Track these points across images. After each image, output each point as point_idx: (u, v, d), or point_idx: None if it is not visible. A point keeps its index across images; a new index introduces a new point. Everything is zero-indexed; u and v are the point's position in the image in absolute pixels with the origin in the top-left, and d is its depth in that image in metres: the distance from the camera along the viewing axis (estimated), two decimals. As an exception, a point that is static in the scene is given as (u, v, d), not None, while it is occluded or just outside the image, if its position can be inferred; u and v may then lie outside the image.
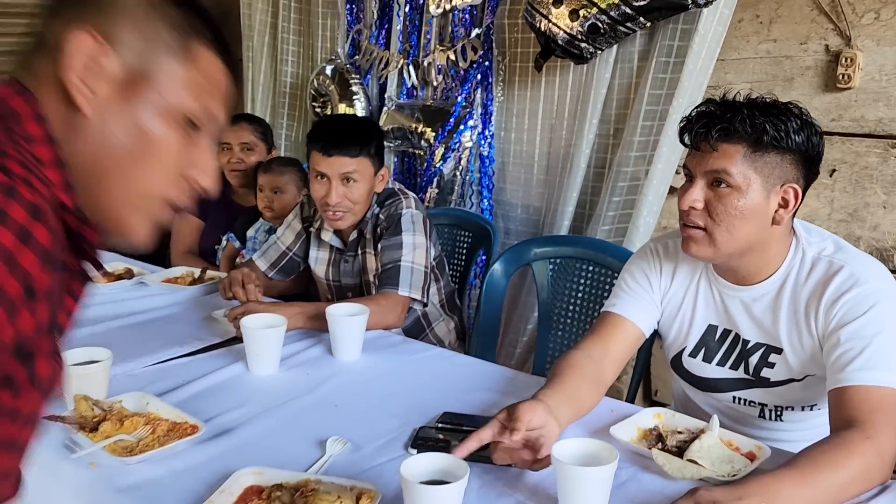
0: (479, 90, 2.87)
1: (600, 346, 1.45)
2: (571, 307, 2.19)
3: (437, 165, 2.93)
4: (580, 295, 2.19)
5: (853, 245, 1.39)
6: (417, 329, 2.21)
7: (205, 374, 1.58)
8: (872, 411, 1.16)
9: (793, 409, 1.43)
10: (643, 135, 2.44)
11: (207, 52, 0.78)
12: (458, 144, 2.90)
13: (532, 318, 2.65)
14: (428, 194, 2.99)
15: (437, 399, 1.49)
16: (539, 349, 2.22)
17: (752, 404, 1.46)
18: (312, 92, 3.33)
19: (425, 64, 3.01)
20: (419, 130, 2.98)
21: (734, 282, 1.42)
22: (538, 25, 2.37)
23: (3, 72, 0.75)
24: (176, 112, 0.75)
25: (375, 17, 3.20)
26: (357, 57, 3.27)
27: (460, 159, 2.91)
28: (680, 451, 1.23)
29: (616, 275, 1.59)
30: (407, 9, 3.08)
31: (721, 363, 1.47)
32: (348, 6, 3.28)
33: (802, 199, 1.33)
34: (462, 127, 2.88)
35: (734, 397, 1.47)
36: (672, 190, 2.44)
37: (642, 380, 2.66)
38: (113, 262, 2.51)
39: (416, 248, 2.05)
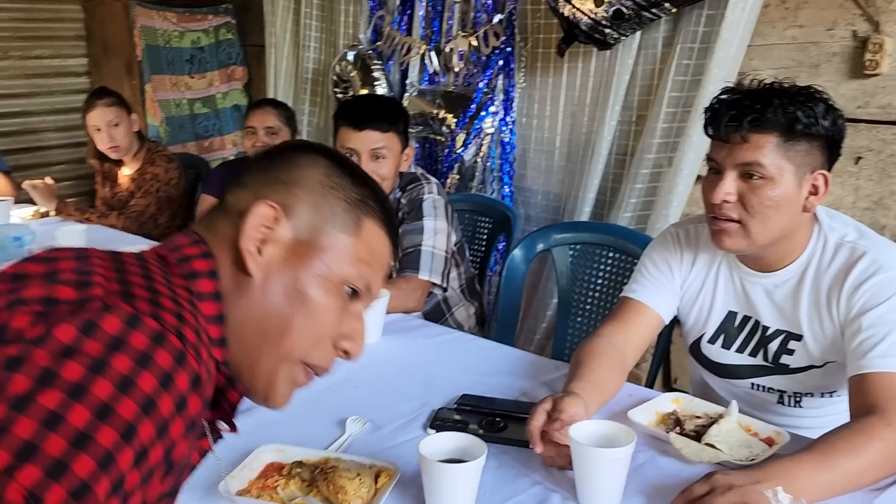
0: (501, 76, 2.87)
1: (622, 332, 1.45)
2: (592, 294, 2.19)
3: (459, 152, 2.93)
4: (600, 282, 2.18)
5: (878, 234, 1.37)
6: (437, 314, 2.22)
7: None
8: (894, 398, 1.15)
9: (812, 395, 1.43)
10: (667, 121, 2.42)
11: (376, 227, 0.83)
12: (479, 131, 2.90)
13: (552, 305, 2.65)
14: (449, 180, 3.00)
15: (455, 381, 1.50)
16: (558, 335, 2.23)
17: (770, 391, 1.46)
18: (334, 78, 3.34)
19: (447, 50, 3.01)
20: (440, 116, 2.98)
21: (757, 269, 1.41)
22: (562, 10, 2.36)
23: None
24: (338, 281, 0.79)
25: (398, 2, 3.19)
26: (379, 43, 3.28)
27: (481, 145, 2.91)
28: (698, 436, 1.23)
29: (637, 262, 1.58)
30: (429, -6, 3.07)
31: (740, 350, 1.46)
32: (371, -8, 3.28)
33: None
34: (483, 113, 2.88)
35: (753, 384, 1.47)
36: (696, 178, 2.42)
37: (662, 367, 2.65)
38: (137, 245, 2.55)
39: (437, 233, 2.06)
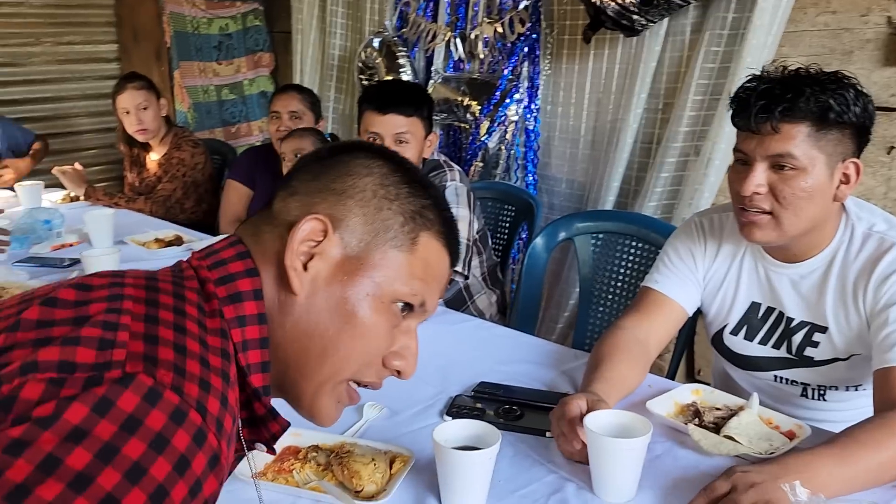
0: (526, 63, 2.85)
1: (645, 324, 1.43)
2: (614, 284, 2.17)
3: (483, 139, 2.92)
4: (624, 272, 2.16)
5: (910, 227, 1.34)
6: (459, 301, 2.22)
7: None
8: (920, 392, 1.13)
9: (836, 388, 1.40)
10: (694, 109, 2.39)
11: (433, 241, 0.77)
12: (503, 118, 2.88)
13: (574, 294, 2.64)
14: (473, 168, 2.99)
15: (474, 369, 1.50)
16: (579, 325, 2.21)
17: (794, 384, 1.43)
18: (360, 64, 3.34)
19: (472, 37, 2.99)
20: (465, 104, 2.97)
21: (783, 259, 1.39)
22: (588, -4, 2.33)
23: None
24: (389, 299, 0.75)
25: (423, -11, 3.18)
26: (404, 29, 3.27)
27: (505, 133, 2.89)
28: (717, 428, 1.21)
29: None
30: (455, -20, 3.05)
31: (763, 342, 1.44)
32: (397, -22, 3.27)
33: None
34: (508, 100, 2.86)
35: (776, 376, 1.45)
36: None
37: (685, 358, 2.63)
38: (163, 230, 2.58)
39: (459, 221, 2.03)
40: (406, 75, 3.20)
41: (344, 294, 0.73)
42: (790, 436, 1.20)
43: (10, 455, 0.52)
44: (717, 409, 1.27)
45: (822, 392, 1.42)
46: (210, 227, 2.99)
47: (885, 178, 2.26)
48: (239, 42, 4.32)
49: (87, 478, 0.52)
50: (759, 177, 1.26)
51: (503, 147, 2.91)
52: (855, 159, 1.28)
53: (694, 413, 1.27)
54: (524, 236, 2.64)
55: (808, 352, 1.39)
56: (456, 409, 1.32)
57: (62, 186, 3.15)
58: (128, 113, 3.06)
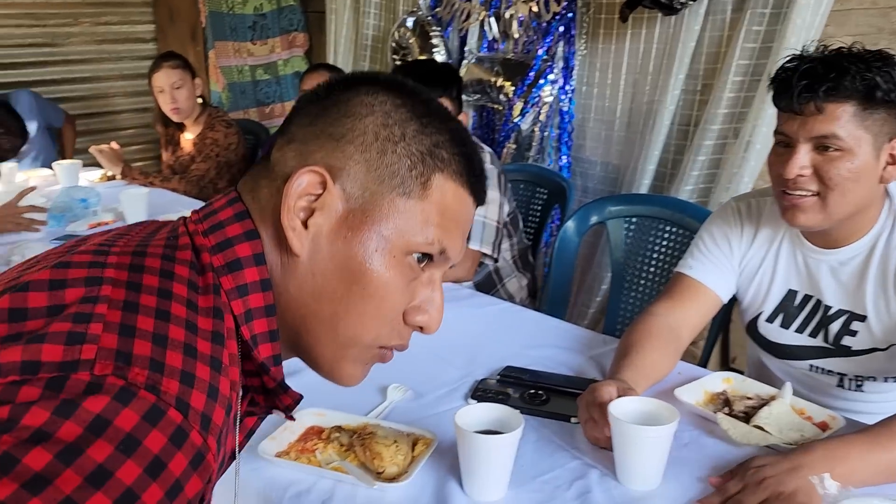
0: (562, 43, 2.80)
1: (677, 311, 1.40)
2: (647, 269, 2.13)
3: (516, 121, 2.88)
4: (657, 257, 2.12)
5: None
6: (489, 284, 2.21)
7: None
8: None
9: (874, 379, 1.36)
10: (733, 91, 2.32)
11: (449, 182, 0.68)
12: (537, 99, 2.84)
13: (606, 279, 2.60)
14: (505, 150, 2.95)
15: (500, 352, 1.48)
16: (610, 310, 2.18)
17: (830, 373, 1.39)
18: (393, 45, 3.32)
19: (507, 16, 2.95)
20: (498, 84, 2.93)
21: (822, 245, 1.34)
22: (625, -26, 2.27)
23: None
24: (402, 252, 0.67)
25: (458, -33, 3.14)
26: (438, 9, 3.24)
27: (539, 114, 2.85)
28: (747, 417, 1.18)
29: (696, 237, 1.52)
30: (490, -41, 3.01)
31: (799, 330, 1.40)
32: (431, -43, 3.23)
33: None
34: (542, 81, 2.82)
35: (811, 366, 1.41)
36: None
37: (720, 345, 2.58)
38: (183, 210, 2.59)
39: (489, 203, 2.03)
40: (439, 55, 3.17)
41: (350, 252, 0.66)
42: (823, 427, 1.16)
43: None
44: (748, 398, 1.24)
45: (859, 383, 1.38)
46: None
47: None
48: (273, 22, 4.33)
49: (44, 479, 0.48)
50: (803, 159, 1.22)
51: (536, 129, 2.87)
52: None
53: (724, 402, 1.24)
54: (556, 219, 2.61)
55: (846, 341, 1.35)
56: (481, 392, 1.31)
57: (100, 166, 3.20)
58: (162, 92, 3.09)
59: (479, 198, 0.72)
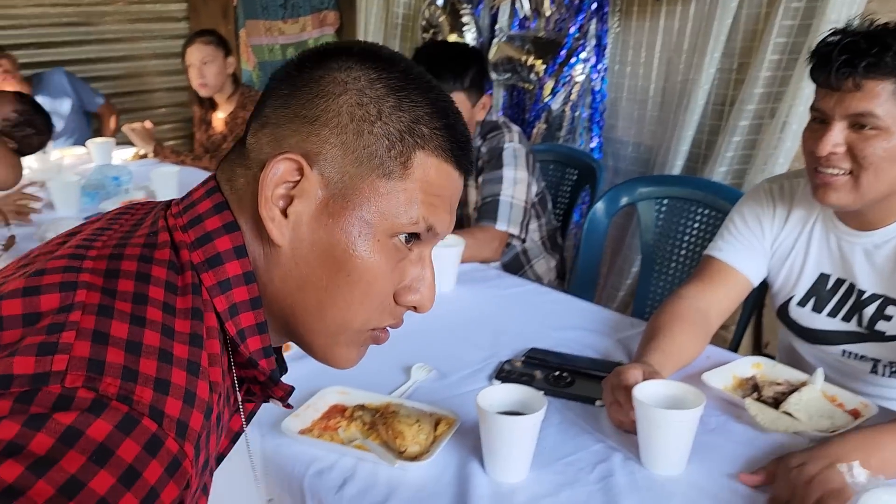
0: (594, 21, 2.75)
1: (708, 294, 1.38)
2: (679, 252, 2.10)
3: (546, 100, 2.84)
4: (689, 239, 2.09)
5: None
6: (516, 265, 2.19)
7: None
8: None
9: (909, 366, 1.33)
10: (770, 70, 2.26)
11: (431, 158, 0.66)
12: (568, 78, 2.80)
13: (636, 262, 2.57)
14: (536, 129, 2.92)
15: (525, 334, 1.47)
16: (639, 293, 2.16)
17: (863, 359, 1.36)
18: (423, 23, 3.29)
19: (539, -7, 2.90)
20: (528, 63, 2.89)
21: (856, 227, 1.31)
22: (659, -51, 2.22)
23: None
24: (385, 234, 0.65)
25: (490, -56, 3.10)
26: (469, -14, 3.19)
27: (570, 94, 2.81)
28: (776, 403, 1.16)
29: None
30: (522, -65, 2.96)
31: (832, 314, 1.37)
32: (463, -67, 3.19)
33: None
34: (574, 60, 2.77)
35: (844, 351, 1.37)
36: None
37: (752, 329, 2.54)
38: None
39: (516, 183, 2.01)
40: (470, 33, 3.13)
41: (332, 239, 0.64)
42: (855, 414, 1.14)
43: None
44: (778, 383, 1.22)
45: (893, 369, 1.34)
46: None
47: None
48: (304, 0, 4.32)
49: (16, 491, 0.47)
50: (837, 136, 1.19)
51: (567, 108, 2.83)
52: None
53: (753, 387, 1.22)
54: (586, 201, 2.58)
55: (881, 326, 1.31)
56: (505, 373, 1.30)
57: (133, 145, 3.23)
58: (191, 66, 3.10)
59: (466, 169, 0.70)
